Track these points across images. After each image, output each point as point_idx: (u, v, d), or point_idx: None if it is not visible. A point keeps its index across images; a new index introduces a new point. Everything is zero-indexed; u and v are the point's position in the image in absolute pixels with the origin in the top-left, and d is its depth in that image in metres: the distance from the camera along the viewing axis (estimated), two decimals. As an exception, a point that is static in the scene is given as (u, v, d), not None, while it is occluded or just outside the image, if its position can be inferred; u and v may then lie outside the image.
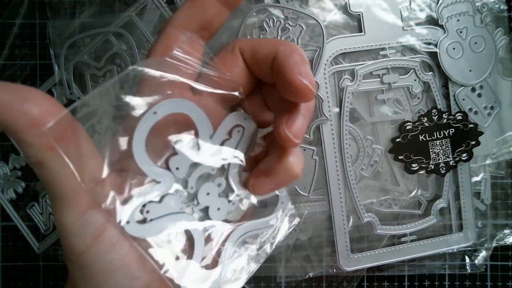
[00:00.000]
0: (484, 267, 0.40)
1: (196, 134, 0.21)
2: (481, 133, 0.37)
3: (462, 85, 0.37)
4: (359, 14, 0.35)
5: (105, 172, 0.20)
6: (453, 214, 0.38)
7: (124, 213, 0.20)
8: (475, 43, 0.37)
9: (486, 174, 0.39)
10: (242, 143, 0.23)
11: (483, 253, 0.39)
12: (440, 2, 0.36)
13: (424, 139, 0.37)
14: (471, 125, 0.37)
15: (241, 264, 0.24)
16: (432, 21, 0.37)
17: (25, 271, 0.40)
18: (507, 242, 0.39)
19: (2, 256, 0.40)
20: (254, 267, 0.25)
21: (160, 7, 0.37)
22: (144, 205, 0.20)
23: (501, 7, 0.38)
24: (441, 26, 0.36)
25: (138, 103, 0.20)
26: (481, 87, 0.38)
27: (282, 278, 0.38)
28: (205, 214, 0.23)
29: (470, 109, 0.37)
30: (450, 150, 0.37)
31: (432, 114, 0.37)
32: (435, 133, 0.37)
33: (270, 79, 0.21)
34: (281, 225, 0.26)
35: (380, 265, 0.38)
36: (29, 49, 0.40)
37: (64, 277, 0.40)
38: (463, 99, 0.37)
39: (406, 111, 0.37)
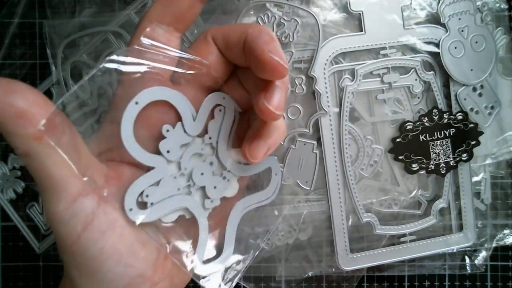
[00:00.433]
0: (484, 267, 0.39)
1: (180, 119, 0.22)
2: (482, 133, 0.37)
3: (463, 85, 0.37)
4: (360, 13, 0.35)
5: (93, 161, 0.20)
6: (453, 214, 0.38)
7: (126, 201, 0.20)
8: (476, 42, 0.37)
9: (486, 174, 0.39)
10: (225, 121, 0.24)
11: (483, 253, 0.39)
12: (441, 0, 0.36)
13: (425, 139, 0.36)
14: (472, 125, 0.37)
15: (247, 241, 0.26)
16: (433, 20, 0.37)
17: (25, 271, 0.40)
18: (507, 242, 0.39)
19: (2, 256, 0.40)
20: (261, 243, 0.26)
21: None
22: (142, 191, 0.21)
23: (502, 6, 0.38)
24: (443, 25, 0.36)
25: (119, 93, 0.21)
26: (481, 86, 0.37)
27: (282, 277, 0.38)
28: (203, 193, 0.23)
29: (472, 109, 0.37)
30: (450, 150, 0.37)
31: (433, 114, 0.36)
32: (435, 133, 0.36)
33: (244, 62, 0.22)
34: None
35: (380, 265, 0.38)
36: (28, 48, 0.40)
37: (64, 276, 0.40)
38: (465, 99, 0.37)
39: (406, 111, 0.37)
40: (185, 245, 0.23)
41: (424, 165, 0.37)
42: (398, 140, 0.36)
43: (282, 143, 0.36)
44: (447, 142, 0.37)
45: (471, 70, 0.37)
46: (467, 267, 0.39)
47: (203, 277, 0.24)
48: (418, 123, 0.36)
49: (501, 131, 0.38)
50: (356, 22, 0.36)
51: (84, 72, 0.38)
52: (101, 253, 0.20)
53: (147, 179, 0.21)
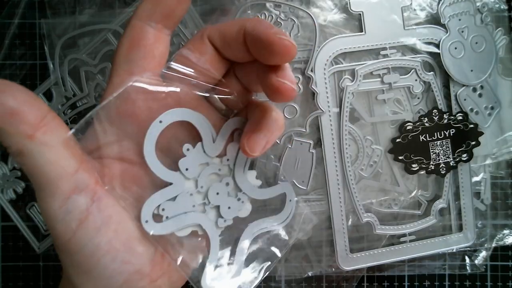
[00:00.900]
0: (484, 267, 0.40)
1: (200, 139, 0.23)
2: (481, 134, 0.37)
3: (463, 85, 0.37)
4: (360, 14, 0.35)
5: (86, 158, 0.21)
6: (453, 214, 0.38)
7: (143, 213, 0.21)
8: (476, 43, 0.37)
9: (486, 174, 0.39)
10: None
11: (483, 253, 0.39)
12: (442, 1, 0.36)
13: (425, 139, 0.36)
14: (472, 126, 0.37)
15: (257, 261, 0.26)
16: (433, 21, 0.37)
17: (25, 271, 0.40)
18: (507, 242, 0.39)
19: (2, 256, 0.40)
20: (270, 264, 0.27)
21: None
22: (159, 205, 0.22)
23: (501, 7, 0.38)
24: (443, 26, 0.36)
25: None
26: (481, 87, 0.37)
27: (281, 277, 0.38)
28: (217, 212, 0.24)
29: (472, 109, 0.37)
30: (450, 150, 0.37)
31: (433, 114, 0.36)
32: (435, 134, 0.37)
33: (243, 57, 0.22)
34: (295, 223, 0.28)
35: (380, 265, 0.38)
36: (28, 48, 0.40)
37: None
38: (465, 99, 0.37)
39: (406, 111, 0.37)
40: (195, 260, 0.23)
41: (424, 165, 0.37)
42: (398, 140, 0.36)
43: (278, 142, 0.36)
44: (447, 142, 0.37)
45: (471, 70, 0.37)
46: (467, 267, 0.39)
47: None
48: (418, 123, 0.36)
49: (501, 132, 0.38)
50: (356, 22, 0.36)
51: (81, 70, 0.38)
52: (97, 249, 0.20)
53: (165, 194, 0.22)
